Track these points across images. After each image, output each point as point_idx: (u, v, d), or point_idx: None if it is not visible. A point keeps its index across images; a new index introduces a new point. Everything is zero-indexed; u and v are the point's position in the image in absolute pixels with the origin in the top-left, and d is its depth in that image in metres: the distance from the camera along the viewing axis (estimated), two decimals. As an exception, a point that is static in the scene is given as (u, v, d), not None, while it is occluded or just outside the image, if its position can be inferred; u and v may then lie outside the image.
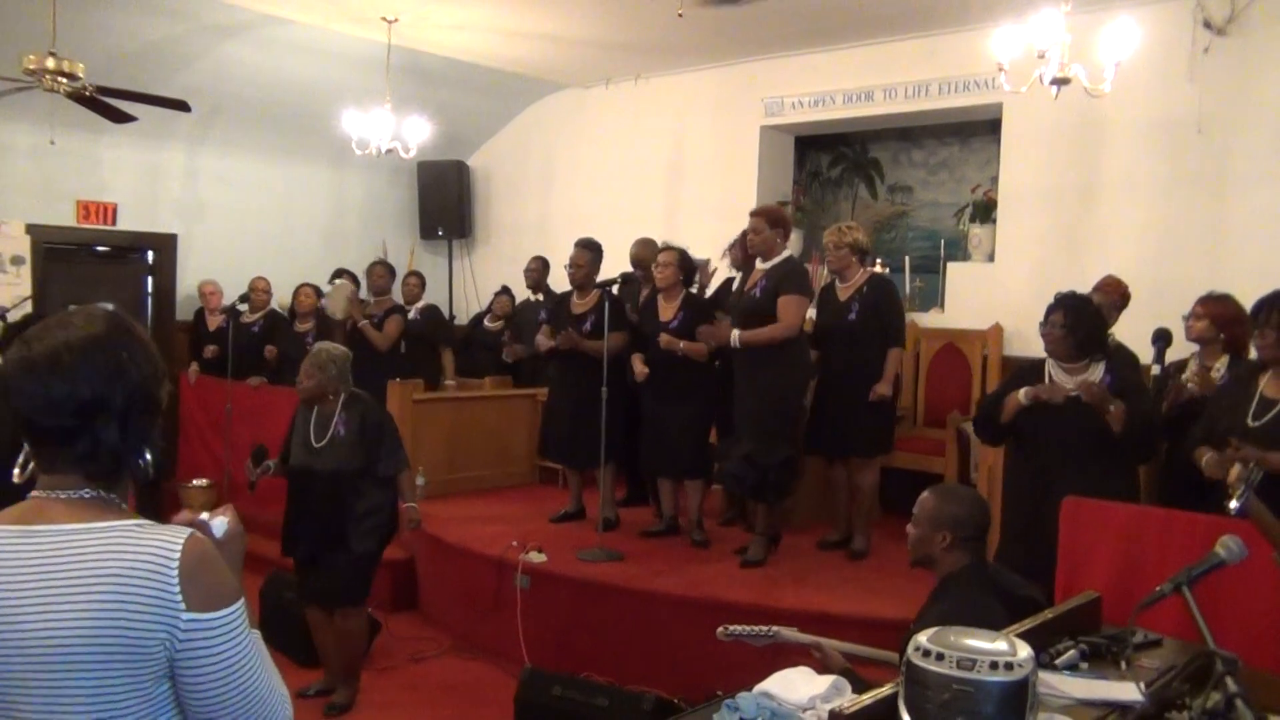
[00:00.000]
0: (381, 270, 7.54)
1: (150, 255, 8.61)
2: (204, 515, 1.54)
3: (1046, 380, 4.17)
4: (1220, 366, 4.49)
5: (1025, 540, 4.05)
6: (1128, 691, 2.27)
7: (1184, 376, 4.55)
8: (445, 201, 9.65)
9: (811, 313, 5.59)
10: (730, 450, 5.24)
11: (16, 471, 1.50)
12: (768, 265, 5.19)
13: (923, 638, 1.93)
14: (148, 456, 1.50)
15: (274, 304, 8.11)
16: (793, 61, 7.66)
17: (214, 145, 8.56)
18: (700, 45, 7.54)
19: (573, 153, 9.13)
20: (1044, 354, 5.00)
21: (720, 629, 3.32)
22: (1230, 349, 4.50)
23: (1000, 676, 1.85)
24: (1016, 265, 6.61)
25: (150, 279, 8.67)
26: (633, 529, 5.86)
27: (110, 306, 1.55)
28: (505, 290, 8.44)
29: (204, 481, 7.48)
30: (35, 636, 1.36)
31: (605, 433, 5.45)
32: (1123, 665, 2.47)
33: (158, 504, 6.91)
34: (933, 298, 7.24)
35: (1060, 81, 4.44)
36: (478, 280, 9.82)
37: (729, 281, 6.19)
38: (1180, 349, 4.85)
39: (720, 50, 7.72)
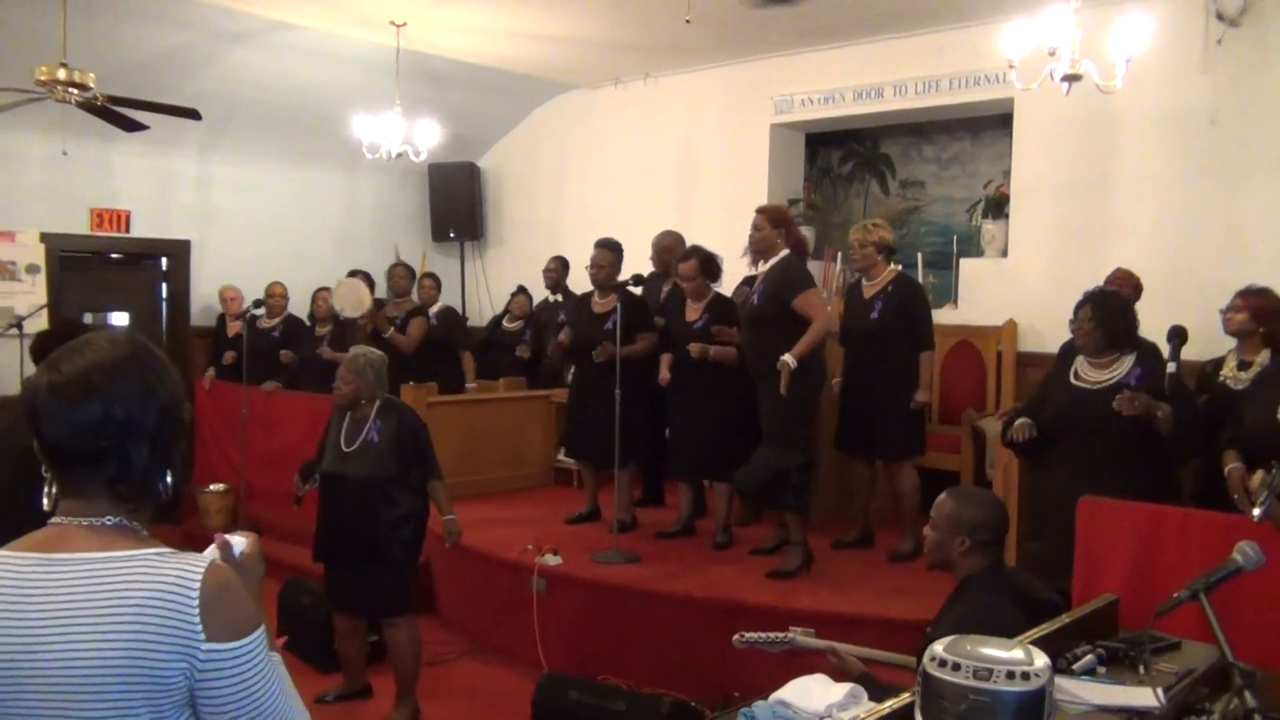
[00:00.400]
0: (402, 272, 7.55)
1: (164, 262, 8.64)
2: (225, 536, 1.54)
3: (1072, 376, 4.16)
4: (1261, 361, 4.45)
5: (1057, 541, 3.99)
6: (1146, 697, 2.26)
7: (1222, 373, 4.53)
8: (457, 203, 9.66)
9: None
10: (750, 457, 5.16)
11: (45, 501, 1.50)
12: (766, 268, 5.16)
13: (939, 647, 1.92)
14: (169, 479, 1.51)
15: (290, 309, 8.14)
16: (802, 59, 7.63)
17: (225, 151, 8.59)
18: (709, 44, 7.52)
19: (583, 153, 9.12)
20: (1057, 350, 5.01)
21: (736, 637, 3.32)
22: (1270, 343, 4.46)
23: (1017, 686, 1.84)
24: (1030, 260, 6.58)
25: (165, 285, 8.71)
26: (649, 531, 5.86)
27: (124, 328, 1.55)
28: (522, 290, 8.42)
29: (220, 486, 7.53)
30: (56, 665, 1.36)
31: (624, 434, 5.44)
32: (1141, 670, 2.46)
33: (175, 506, 6.94)
34: (946, 294, 7.21)
35: (1071, 78, 4.41)
36: (490, 282, 9.83)
37: (750, 279, 6.17)
38: (1206, 344, 4.83)
39: (729, 49, 7.71)
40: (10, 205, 7.61)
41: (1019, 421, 4.25)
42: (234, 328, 8.07)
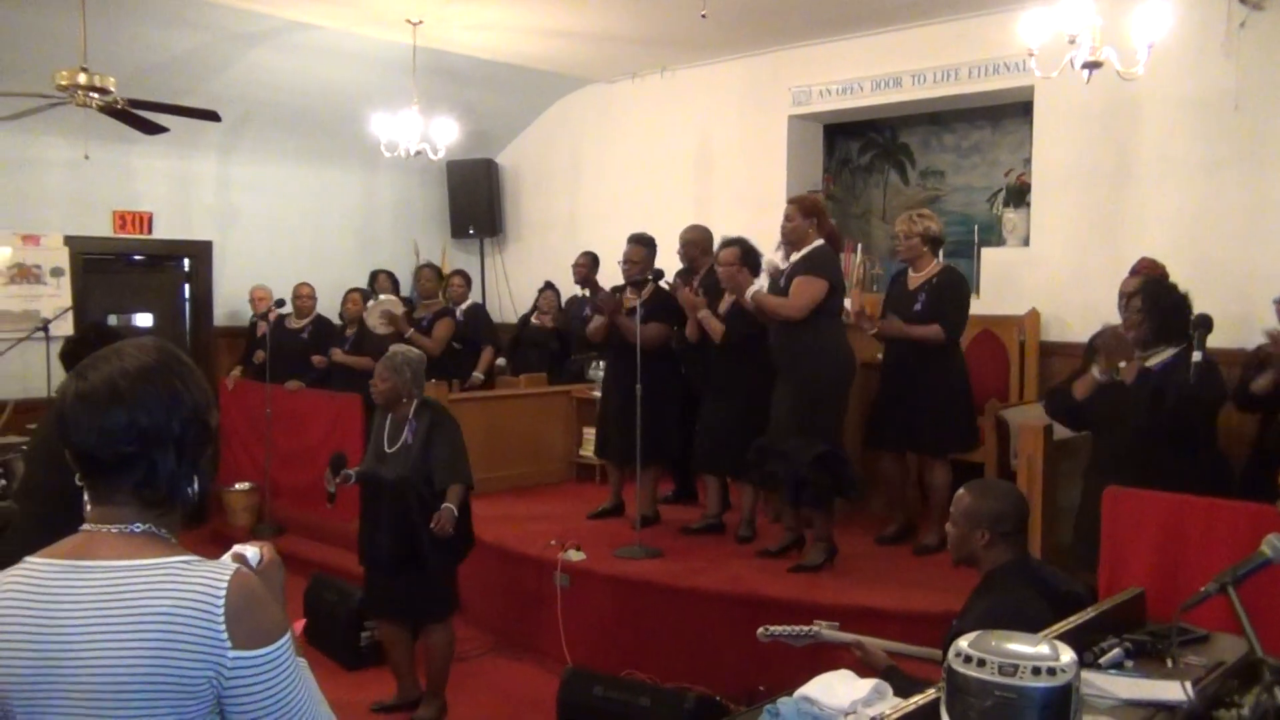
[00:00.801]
0: (429, 274, 7.57)
1: (186, 263, 8.71)
2: (238, 547, 1.56)
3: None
4: None
5: (1092, 535, 3.95)
6: (1174, 691, 2.24)
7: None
8: (475, 200, 9.68)
9: (848, 302, 5.52)
10: (765, 449, 5.11)
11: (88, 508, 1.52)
12: (798, 256, 5.14)
13: (964, 643, 1.91)
14: (195, 486, 1.52)
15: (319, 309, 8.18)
16: (819, 50, 7.60)
17: (245, 152, 8.64)
18: (726, 36, 7.50)
19: (600, 147, 9.12)
20: (1086, 339, 4.95)
21: (760, 630, 3.32)
22: None
23: (1043, 682, 1.82)
24: (1052, 249, 6.53)
25: (187, 286, 8.77)
26: (672, 526, 5.86)
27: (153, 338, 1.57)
28: (550, 286, 8.37)
29: (246, 485, 7.59)
30: (85, 672, 1.38)
31: (653, 431, 5.43)
32: (1169, 663, 2.44)
33: (201, 508, 7.00)
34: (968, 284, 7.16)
35: (1092, 65, 4.37)
36: (510, 277, 9.85)
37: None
38: (1232, 332, 4.78)
39: (746, 40, 7.68)
40: (34, 209, 7.69)
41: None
42: (264, 328, 8.11)
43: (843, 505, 5.50)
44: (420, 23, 7.04)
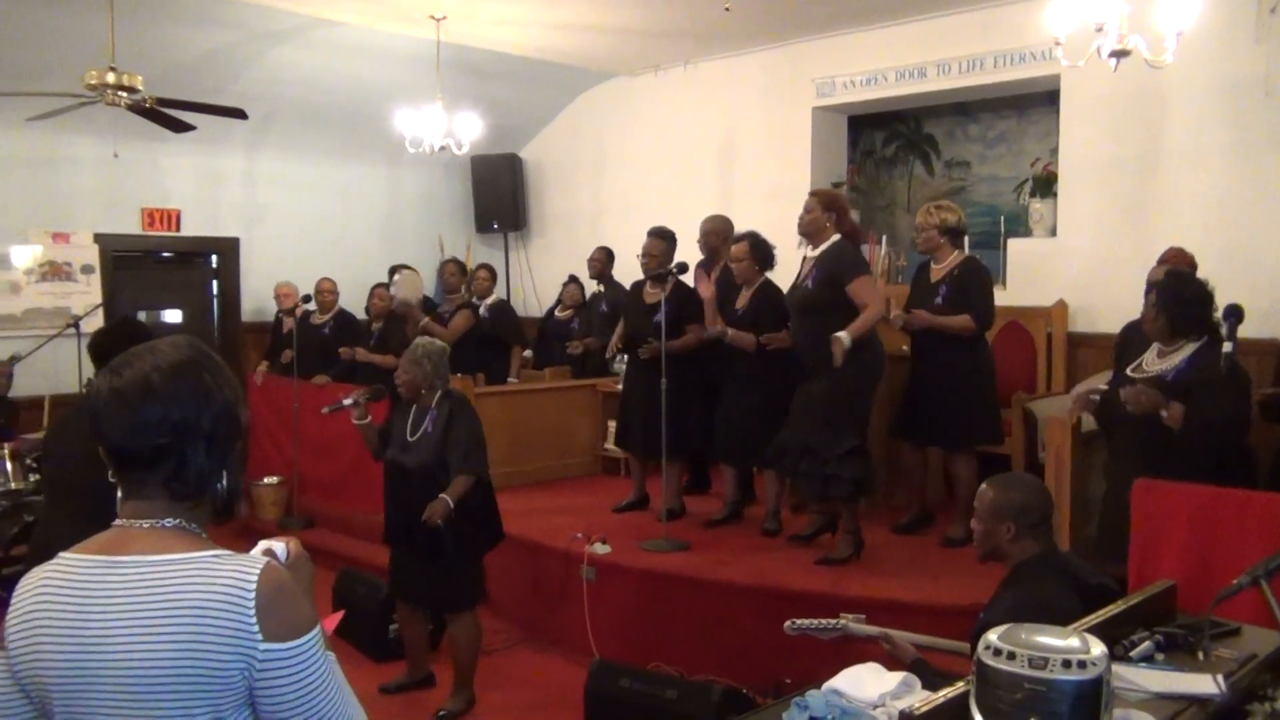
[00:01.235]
0: (453, 269, 7.60)
1: (214, 259, 8.79)
2: (265, 543, 1.58)
3: (1130, 365, 4.07)
4: None
5: (1112, 531, 3.92)
6: (1206, 684, 2.22)
7: None
8: (499, 195, 9.71)
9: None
10: (789, 443, 5.08)
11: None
12: (817, 253, 5.10)
13: (993, 636, 1.91)
14: (224, 481, 1.55)
15: (341, 304, 8.23)
16: (843, 41, 7.56)
17: (271, 149, 8.70)
18: (749, 28, 7.48)
19: (624, 141, 9.12)
20: (1117, 330, 4.92)
21: (787, 623, 3.32)
22: None
23: (1073, 675, 1.82)
24: (1080, 239, 6.48)
25: (215, 283, 8.85)
26: (697, 518, 5.86)
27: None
28: (573, 279, 8.38)
29: (275, 479, 7.65)
30: (120, 665, 1.40)
31: (676, 425, 5.44)
32: (1200, 656, 2.42)
33: (232, 502, 7.05)
34: (994, 275, 7.09)
35: (1119, 54, 4.32)
36: (535, 271, 9.87)
37: None
38: (1263, 322, 4.73)
39: (769, 32, 7.65)
40: (65, 207, 7.79)
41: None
42: (289, 324, 8.17)
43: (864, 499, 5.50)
44: (444, 18, 7.06)
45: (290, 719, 1.45)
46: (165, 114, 6.03)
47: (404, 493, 4.57)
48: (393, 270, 8.68)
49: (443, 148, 7.45)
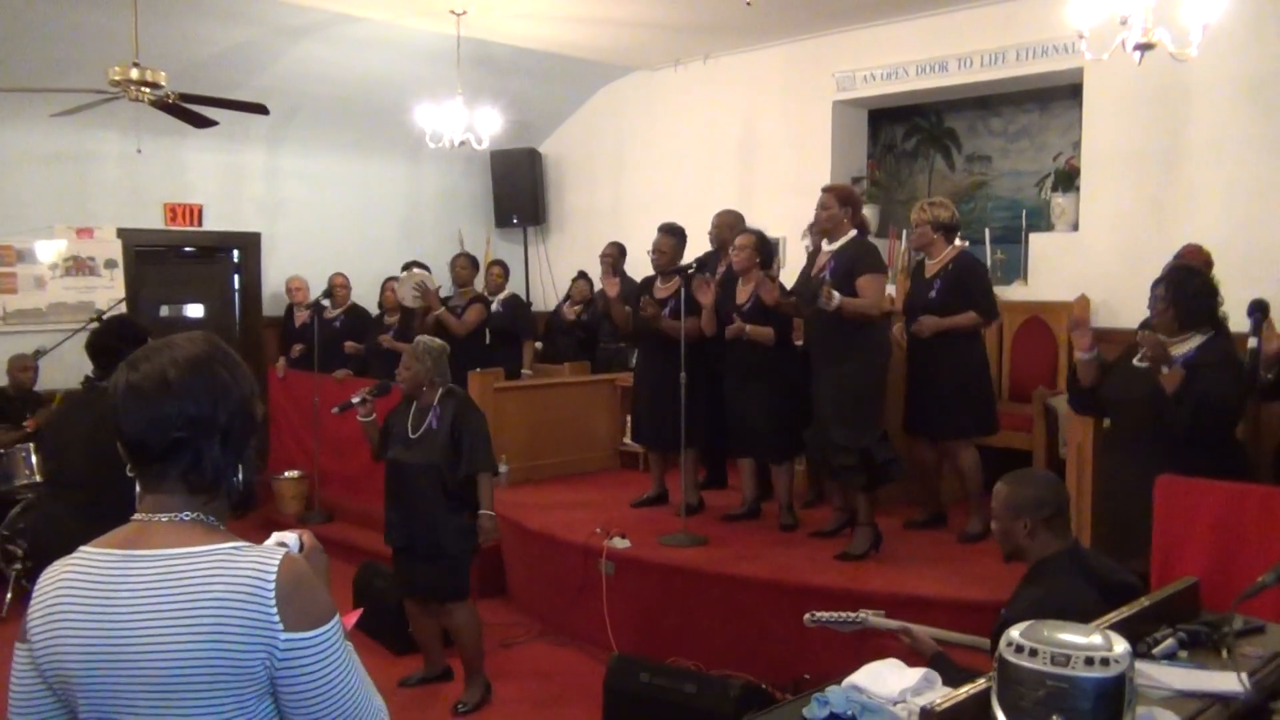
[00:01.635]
0: (464, 262, 7.62)
1: (236, 254, 8.84)
2: (278, 535, 1.59)
3: (1136, 356, 4.06)
4: None
5: (1117, 521, 3.95)
6: (1230, 682, 2.21)
7: None
8: (519, 189, 9.72)
9: (891, 289, 5.50)
10: (820, 441, 5.11)
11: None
12: (834, 246, 5.11)
13: (1015, 633, 1.90)
14: (240, 477, 1.56)
15: (353, 298, 8.28)
16: (863, 34, 7.53)
17: (292, 144, 8.74)
18: (769, 22, 7.45)
19: (644, 135, 9.11)
20: (1135, 326, 4.88)
21: (807, 616, 3.31)
22: None
23: (1096, 672, 1.81)
24: (1102, 234, 6.43)
25: (237, 277, 8.90)
26: (715, 513, 5.86)
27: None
28: (583, 275, 8.47)
29: (295, 472, 7.70)
30: (143, 658, 1.42)
31: (686, 417, 5.45)
32: (1224, 654, 2.40)
33: (249, 496, 7.09)
34: (1015, 270, 7.08)
35: (1144, 47, 4.27)
36: (554, 266, 9.88)
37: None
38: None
39: (789, 26, 7.63)
40: (88, 203, 7.84)
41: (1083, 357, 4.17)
42: (300, 317, 8.22)
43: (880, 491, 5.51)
44: (464, 13, 7.07)
45: (312, 708, 1.46)
46: (188, 109, 6.07)
47: (407, 490, 4.61)
48: (405, 267, 8.73)
49: (463, 143, 7.46)
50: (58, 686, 1.48)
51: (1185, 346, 3.93)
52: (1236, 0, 4.72)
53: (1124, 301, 6.09)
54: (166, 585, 1.43)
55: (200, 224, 8.44)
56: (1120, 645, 1.86)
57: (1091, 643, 1.86)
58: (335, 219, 9.11)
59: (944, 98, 7.68)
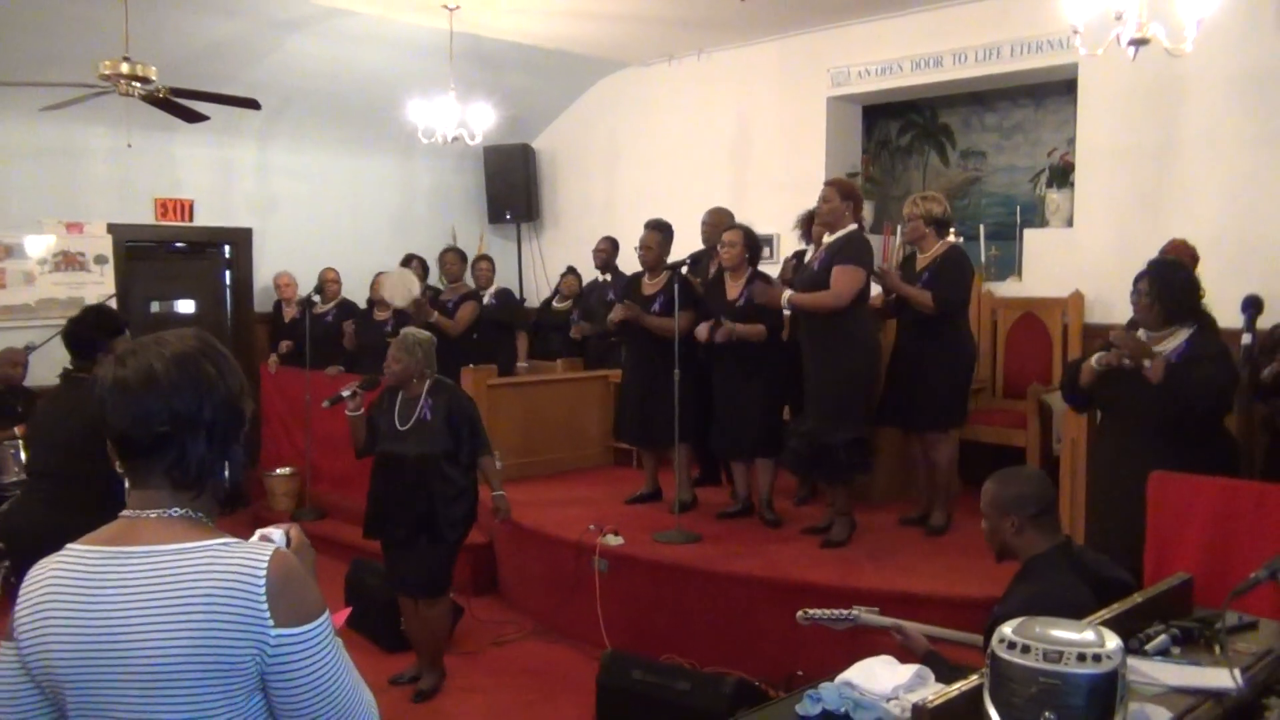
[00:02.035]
0: (453, 257, 7.61)
1: (227, 249, 8.80)
2: (264, 530, 1.58)
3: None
4: None
5: (1107, 517, 3.94)
6: (1223, 678, 2.20)
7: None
8: (512, 185, 9.70)
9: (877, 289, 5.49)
10: (794, 429, 5.21)
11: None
12: (831, 239, 5.12)
13: (1007, 629, 1.89)
14: (226, 474, 1.55)
15: (344, 294, 8.25)
16: (858, 30, 7.51)
17: (283, 139, 8.70)
18: (763, 17, 7.43)
19: (637, 131, 9.09)
20: (1125, 322, 4.87)
21: (800, 613, 3.30)
22: None
23: (1088, 669, 1.80)
24: (1096, 230, 6.42)
25: (228, 273, 8.87)
26: (709, 510, 5.85)
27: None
28: (571, 270, 8.51)
29: (287, 469, 7.66)
30: (133, 655, 1.40)
31: (664, 412, 5.44)
32: (1217, 650, 2.39)
33: (238, 493, 7.07)
34: (1009, 265, 7.07)
35: (1138, 42, 4.27)
36: (547, 262, 9.86)
37: (799, 254, 6.13)
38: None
39: (783, 21, 7.61)
40: (78, 197, 7.80)
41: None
42: (290, 313, 8.19)
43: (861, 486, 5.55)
44: (457, 8, 7.04)
45: (303, 703, 1.45)
46: (179, 104, 6.03)
47: (400, 482, 4.61)
48: (405, 260, 8.71)
49: (455, 138, 7.43)
50: (46, 684, 1.47)
51: (1173, 341, 3.89)
52: (1231, -6, 4.72)
53: (1118, 297, 6.03)
54: (156, 581, 1.42)
55: (191, 219, 8.40)
56: (1113, 641, 1.85)
57: (1084, 639, 1.85)
58: (327, 214, 9.07)
59: (938, 93, 7.66)
